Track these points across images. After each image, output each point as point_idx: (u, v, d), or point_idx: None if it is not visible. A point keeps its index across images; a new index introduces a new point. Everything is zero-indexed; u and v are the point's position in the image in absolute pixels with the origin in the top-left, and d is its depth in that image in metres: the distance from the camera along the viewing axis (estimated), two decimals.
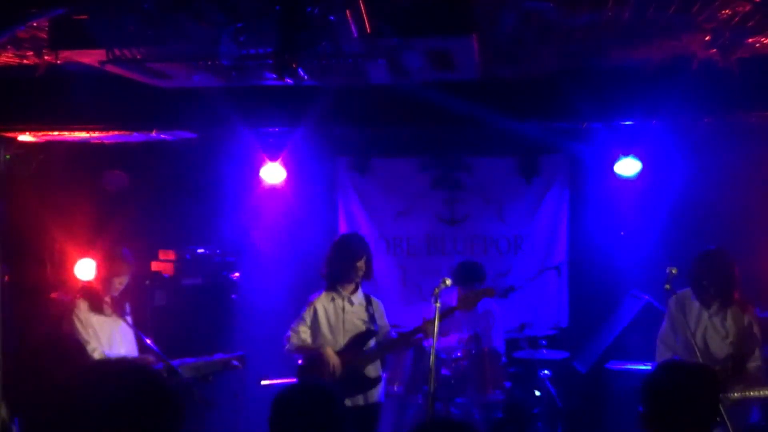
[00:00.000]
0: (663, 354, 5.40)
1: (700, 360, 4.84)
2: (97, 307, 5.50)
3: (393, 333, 5.86)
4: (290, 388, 3.08)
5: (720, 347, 5.21)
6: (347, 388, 5.43)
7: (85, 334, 5.40)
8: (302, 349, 5.66)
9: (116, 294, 5.62)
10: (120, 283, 5.61)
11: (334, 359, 5.52)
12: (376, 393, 5.70)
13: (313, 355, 5.61)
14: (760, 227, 6.90)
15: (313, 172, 7.80)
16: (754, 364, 5.14)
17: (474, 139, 7.62)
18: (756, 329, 5.23)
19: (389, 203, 7.93)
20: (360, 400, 5.59)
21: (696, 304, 5.35)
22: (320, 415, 2.94)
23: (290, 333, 5.68)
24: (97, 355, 5.35)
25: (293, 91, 5.59)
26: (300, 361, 5.72)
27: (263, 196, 7.58)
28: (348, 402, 5.43)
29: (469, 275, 6.61)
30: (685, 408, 3.03)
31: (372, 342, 5.69)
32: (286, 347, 5.69)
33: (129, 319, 5.63)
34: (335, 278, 5.73)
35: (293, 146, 6.95)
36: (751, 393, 4.98)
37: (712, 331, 5.23)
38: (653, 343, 5.54)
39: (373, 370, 5.67)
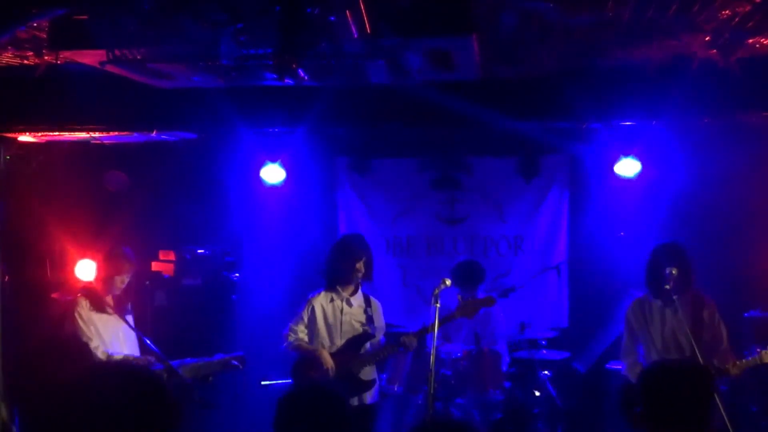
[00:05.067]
0: (630, 365, 5.39)
1: (700, 357, 4.84)
2: (98, 306, 5.50)
3: (383, 338, 5.81)
4: (296, 391, 3.06)
5: (688, 342, 5.13)
6: (341, 389, 5.41)
7: (87, 331, 5.40)
8: (299, 348, 5.66)
9: (118, 292, 5.62)
10: (122, 281, 5.61)
11: (328, 361, 5.51)
12: (371, 395, 5.69)
13: (309, 355, 5.61)
14: (760, 227, 6.90)
15: (313, 173, 7.79)
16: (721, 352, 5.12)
17: (474, 139, 7.61)
18: (717, 319, 5.21)
19: (389, 203, 7.91)
20: (354, 401, 5.56)
21: (658, 304, 5.31)
22: (327, 418, 2.93)
23: (288, 332, 5.69)
24: (99, 353, 5.34)
25: (293, 91, 5.59)
26: (295, 360, 5.72)
27: (263, 197, 7.59)
28: None
29: (468, 275, 6.59)
30: (682, 406, 3.04)
31: (368, 344, 5.69)
32: (284, 345, 5.70)
33: (130, 319, 5.63)
34: (335, 278, 5.72)
35: (293, 146, 6.95)
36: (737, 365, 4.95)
37: (678, 325, 5.17)
38: None
39: (368, 372, 5.67)
